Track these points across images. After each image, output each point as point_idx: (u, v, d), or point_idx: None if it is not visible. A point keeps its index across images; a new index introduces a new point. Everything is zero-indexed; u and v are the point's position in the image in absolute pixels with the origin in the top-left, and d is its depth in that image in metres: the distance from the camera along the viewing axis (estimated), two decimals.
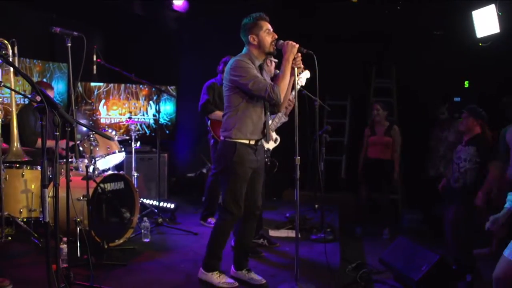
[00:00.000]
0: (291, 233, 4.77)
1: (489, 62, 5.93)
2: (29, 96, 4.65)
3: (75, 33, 3.32)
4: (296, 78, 3.22)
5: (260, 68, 3.29)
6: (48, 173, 3.99)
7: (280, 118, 4.03)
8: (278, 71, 3.31)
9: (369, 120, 5.80)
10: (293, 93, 3.32)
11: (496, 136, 4.04)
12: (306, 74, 3.49)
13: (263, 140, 3.34)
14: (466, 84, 6.66)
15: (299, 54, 3.19)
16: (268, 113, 3.36)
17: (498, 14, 5.17)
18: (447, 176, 4.29)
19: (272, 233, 4.83)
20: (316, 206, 5.52)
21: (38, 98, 2.14)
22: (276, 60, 3.85)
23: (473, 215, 3.89)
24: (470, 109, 4.08)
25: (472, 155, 3.95)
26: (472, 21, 5.51)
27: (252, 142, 3.26)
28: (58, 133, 2.31)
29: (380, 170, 5.44)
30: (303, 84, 3.57)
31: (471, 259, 3.90)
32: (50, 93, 4.67)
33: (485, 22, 5.34)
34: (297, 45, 3.16)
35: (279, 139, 4.14)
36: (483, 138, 4.00)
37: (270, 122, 3.55)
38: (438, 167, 5.64)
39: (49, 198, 3.76)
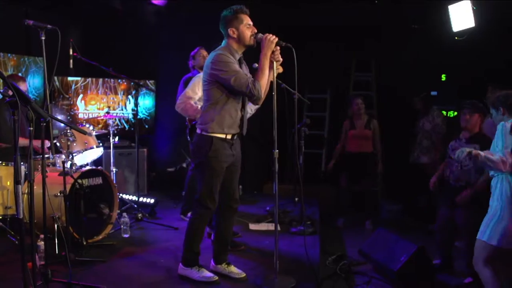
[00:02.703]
0: (271, 227, 4.78)
1: (466, 56, 6.02)
2: (1, 90, 4.54)
3: (49, 26, 3.25)
4: (275, 71, 3.20)
5: (240, 62, 3.25)
6: (25, 169, 3.92)
7: (251, 107, 3.80)
8: (256, 65, 3.29)
9: (349, 113, 5.82)
10: None
11: None
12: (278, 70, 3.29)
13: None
14: (443, 77, 6.77)
15: (278, 48, 3.14)
16: (247, 107, 3.34)
17: (473, 9, 5.25)
18: (446, 175, 4.03)
19: (252, 226, 4.85)
20: (296, 199, 5.55)
21: (10, 93, 2.09)
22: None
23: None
24: (474, 105, 3.86)
25: None
26: (449, 15, 5.59)
27: (229, 137, 3.24)
28: (32, 128, 2.28)
29: (362, 163, 5.46)
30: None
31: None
32: (22, 86, 4.53)
33: (461, 16, 5.43)
34: (276, 39, 3.11)
35: None
36: (485, 135, 3.81)
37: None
38: (417, 154, 5.71)
39: (24, 195, 3.74)
